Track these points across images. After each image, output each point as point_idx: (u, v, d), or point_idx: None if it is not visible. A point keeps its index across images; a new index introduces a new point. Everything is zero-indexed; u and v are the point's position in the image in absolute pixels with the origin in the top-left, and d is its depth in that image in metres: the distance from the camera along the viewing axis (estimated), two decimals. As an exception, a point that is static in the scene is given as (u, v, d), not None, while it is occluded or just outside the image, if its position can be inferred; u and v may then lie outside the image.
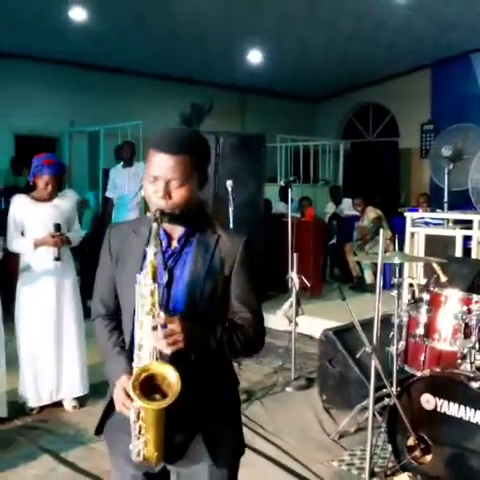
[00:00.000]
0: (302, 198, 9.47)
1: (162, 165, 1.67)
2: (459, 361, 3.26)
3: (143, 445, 1.65)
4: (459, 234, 5.76)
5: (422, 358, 3.49)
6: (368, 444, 3.12)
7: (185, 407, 1.63)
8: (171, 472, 1.83)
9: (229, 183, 4.89)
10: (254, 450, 3.52)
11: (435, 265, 3.66)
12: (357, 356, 3.64)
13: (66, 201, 4.26)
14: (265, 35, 9.27)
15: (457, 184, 6.45)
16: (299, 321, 5.06)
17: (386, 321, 3.63)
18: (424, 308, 3.49)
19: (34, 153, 4.22)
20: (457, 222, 6.26)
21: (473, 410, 2.89)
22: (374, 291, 3.30)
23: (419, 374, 3.35)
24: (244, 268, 1.77)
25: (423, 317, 3.49)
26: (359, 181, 10.98)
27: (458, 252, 5.65)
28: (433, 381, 3.11)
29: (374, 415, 3.23)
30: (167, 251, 1.76)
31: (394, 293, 3.60)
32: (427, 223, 6.62)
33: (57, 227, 4.07)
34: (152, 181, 1.70)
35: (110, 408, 1.82)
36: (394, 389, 3.44)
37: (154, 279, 1.61)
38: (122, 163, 7.69)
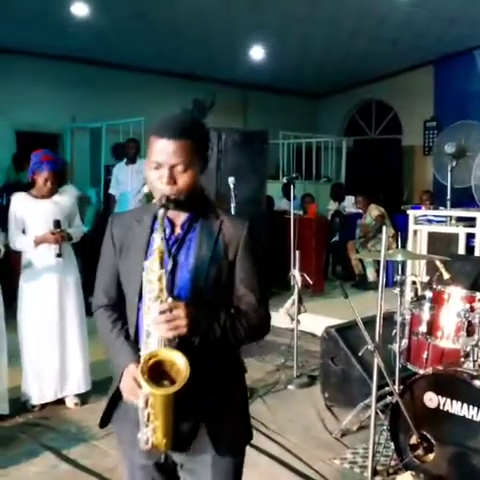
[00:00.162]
0: (304, 195, 9.45)
1: (165, 150, 1.67)
2: (462, 359, 3.26)
3: (152, 432, 1.64)
4: (462, 232, 5.75)
5: (425, 356, 3.48)
6: (370, 442, 3.11)
7: (189, 394, 1.61)
8: (177, 462, 1.82)
9: (231, 180, 4.88)
10: (256, 448, 3.51)
11: (438, 263, 3.65)
12: (359, 354, 3.62)
13: (66, 197, 4.25)
14: (267, 31, 9.24)
15: (460, 181, 6.44)
16: (301, 319, 5.05)
17: (389, 319, 3.61)
18: (427, 306, 3.48)
19: (36, 149, 4.21)
20: (460, 219, 6.25)
21: (476, 408, 2.88)
22: (376, 289, 3.29)
23: (422, 372, 3.34)
24: (248, 252, 1.77)
25: (426, 315, 3.48)
26: (362, 178, 10.95)
27: (461, 250, 5.64)
28: (436, 379, 3.10)
29: (376, 413, 3.22)
30: (171, 238, 1.76)
31: (397, 291, 3.59)
32: (430, 221, 6.61)
33: (57, 224, 4.06)
34: (156, 167, 1.70)
35: (115, 400, 1.81)
36: (397, 387, 3.43)
37: (161, 265, 1.61)
38: (125, 160, 7.70)
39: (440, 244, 5.87)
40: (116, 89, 9.88)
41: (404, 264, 3.96)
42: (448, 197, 6.35)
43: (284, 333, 5.37)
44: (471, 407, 2.89)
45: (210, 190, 5.96)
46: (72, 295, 4.24)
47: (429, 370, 3.28)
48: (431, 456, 3.05)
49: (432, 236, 6.09)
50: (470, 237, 5.80)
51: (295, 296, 4.92)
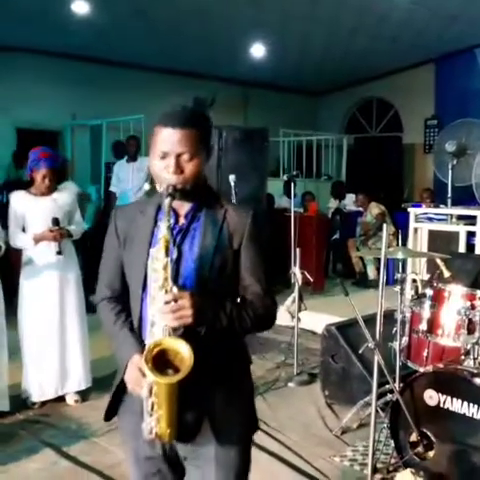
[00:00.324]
0: (305, 193, 9.45)
1: (171, 140, 1.67)
2: (462, 357, 3.26)
3: (155, 422, 1.62)
4: (463, 230, 5.75)
5: (425, 354, 3.48)
6: (370, 440, 3.11)
7: (194, 383, 1.60)
8: (180, 455, 1.80)
9: (232, 177, 4.88)
10: (256, 445, 3.51)
11: (438, 261, 3.65)
12: (360, 352, 3.61)
13: (65, 194, 4.24)
14: (268, 29, 9.23)
15: (461, 179, 6.44)
16: (302, 316, 5.05)
17: (389, 317, 3.61)
18: (427, 304, 3.48)
19: (36, 146, 4.20)
20: (461, 218, 6.26)
21: (476, 406, 2.88)
22: (377, 286, 3.29)
23: (422, 370, 3.34)
24: (253, 241, 1.76)
25: (426, 313, 3.47)
26: (362, 176, 10.95)
27: (461, 248, 5.64)
28: (436, 377, 3.10)
29: (377, 411, 3.21)
30: (175, 228, 1.75)
31: (397, 289, 3.59)
32: (430, 219, 6.61)
33: (55, 221, 4.05)
34: (162, 157, 1.69)
35: (120, 392, 1.81)
36: (397, 385, 3.43)
37: (167, 253, 1.61)
38: (126, 158, 7.69)
39: (441, 242, 5.87)
40: (116, 87, 9.87)
41: (404, 262, 3.96)
42: (449, 195, 6.35)
43: (284, 331, 5.37)
44: (471, 405, 2.89)
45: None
46: (72, 292, 4.24)
47: (429, 368, 3.28)
48: (431, 454, 3.05)
49: (433, 234, 6.09)
50: (470, 235, 5.80)
51: (295, 294, 4.92)
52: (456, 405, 2.94)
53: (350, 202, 9.50)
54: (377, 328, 3.13)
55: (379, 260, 3.50)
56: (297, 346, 4.91)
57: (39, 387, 4.17)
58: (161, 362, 1.58)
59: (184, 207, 1.77)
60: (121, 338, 1.79)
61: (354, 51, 10.24)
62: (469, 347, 3.21)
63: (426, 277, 4.32)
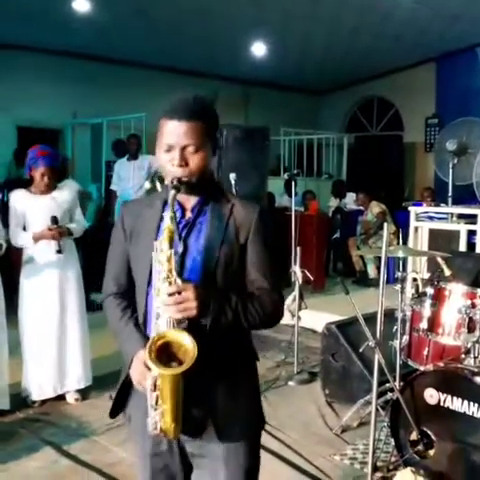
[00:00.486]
0: (306, 192, 9.45)
1: (176, 132, 1.66)
2: (463, 356, 3.26)
3: (160, 416, 1.61)
4: (463, 228, 5.74)
5: (426, 352, 3.47)
6: (371, 438, 3.11)
7: (199, 377, 1.60)
8: (187, 451, 1.79)
9: (232, 176, 4.87)
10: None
11: (439, 259, 3.65)
12: (360, 350, 3.62)
13: (65, 192, 4.23)
14: (269, 27, 9.22)
15: (462, 178, 6.43)
16: (302, 315, 5.05)
17: (389, 315, 3.60)
18: (428, 302, 3.47)
19: (37, 145, 4.19)
20: (461, 216, 6.25)
21: (477, 405, 2.87)
22: (377, 285, 3.29)
23: (422, 368, 3.34)
24: (260, 236, 1.75)
25: (427, 311, 3.47)
26: (363, 175, 10.95)
27: (462, 246, 5.63)
28: (436, 376, 3.10)
29: (377, 409, 3.21)
30: (181, 222, 1.74)
31: (398, 287, 3.58)
32: (431, 217, 6.61)
33: (54, 220, 4.04)
34: (167, 150, 1.68)
35: (125, 388, 1.79)
36: (397, 383, 3.43)
37: (171, 245, 1.60)
38: (127, 156, 7.68)
39: (441, 241, 5.86)
40: (117, 85, 9.87)
41: (405, 261, 3.96)
42: (449, 194, 6.34)
43: (285, 329, 5.37)
44: (472, 404, 2.89)
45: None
46: (73, 291, 4.23)
47: (430, 367, 3.28)
48: (431, 452, 3.04)
49: (433, 233, 6.08)
50: (471, 234, 5.79)
51: (296, 292, 4.92)
52: (456, 404, 2.94)
53: (351, 201, 9.50)
54: (377, 327, 3.13)
55: (379, 259, 3.49)
56: (297, 345, 4.92)
57: (38, 386, 4.17)
58: (165, 355, 1.57)
59: (190, 201, 1.76)
60: (126, 334, 1.78)
61: (356, 50, 10.24)
62: (469, 346, 3.21)
63: (427, 276, 4.31)
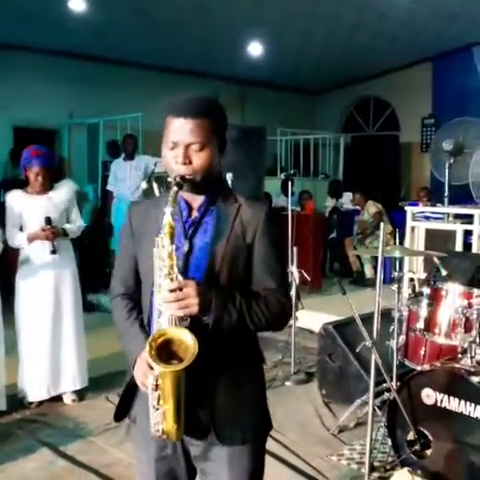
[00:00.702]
0: (302, 192, 9.46)
1: (181, 129, 1.65)
2: (459, 355, 3.26)
3: (161, 416, 1.59)
4: (459, 228, 5.74)
5: (422, 352, 3.48)
6: (368, 439, 3.11)
7: (200, 378, 1.59)
8: (191, 454, 1.76)
9: (229, 176, 4.87)
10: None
11: (435, 259, 3.65)
12: (357, 350, 3.63)
13: (62, 192, 4.22)
14: (266, 27, 9.21)
15: (458, 178, 6.44)
16: (299, 315, 5.05)
17: (386, 315, 3.61)
18: (424, 302, 3.48)
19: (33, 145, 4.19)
20: (457, 216, 6.26)
21: (473, 405, 2.88)
22: (374, 285, 3.29)
23: (419, 368, 3.34)
24: (267, 236, 1.72)
25: (423, 311, 3.48)
26: (359, 175, 10.96)
27: (458, 246, 5.63)
28: (433, 376, 3.10)
29: (374, 410, 3.22)
30: (187, 221, 1.73)
31: (394, 287, 3.59)
32: (427, 217, 6.61)
33: (47, 220, 4.02)
34: (171, 147, 1.67)
35: (130, 390, 1.77)
36: (394, 383, 3.43)
37: (172, 240, 1.58)
38: (123, 156, 7.66)
39: (438, 241, 5.87)
40: (114, 85, 9.85)
41: (402, 261, 3.95)
42: (446, 194, 6.34)
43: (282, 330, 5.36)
44: (468, 403, 2.89)
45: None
46: (68, 291, 4.22)
47: (426, 366, 3.28)
48: (428, 452, 3.05)
49: (430, 233, 6.08)
50: (467, 234, 5.80)
51: (293, 292, 4.92)
52: (453, 404, 2.95)
53: (347, 201, 9.51)
54: (374, 327, 3.13)
55: (376, 259, 3.49)
56: (294, 345, 4.92)
57: (33, 387, 4.15)
58: (166, 353, 1.56)
59: (197, 200, 1.75)
60: (131, 334, 1.77)
61: (353, 50, 10.24)
62: (466, 345, 3.21)
63: (423, 276, 4.32)
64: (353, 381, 4.08)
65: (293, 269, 4.94)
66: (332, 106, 13.08)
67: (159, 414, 1.59)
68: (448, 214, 6.35)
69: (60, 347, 4.20)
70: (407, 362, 3.60)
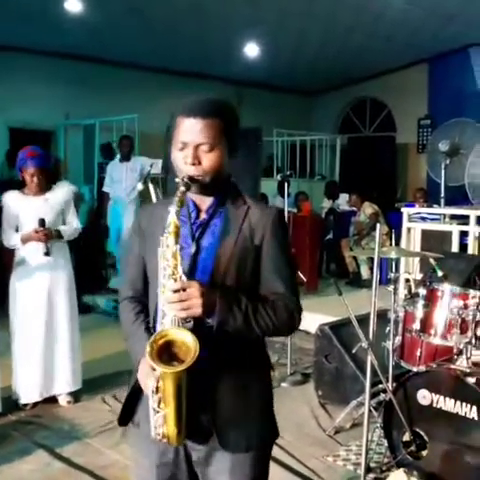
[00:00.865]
0: (298, 193, 9.45)
1: (191, 130, 1.63)
2: (455, 356, 3.26)
3: (162, 420, 1.56)
4: (456, 229, 5.75)
5: (418, 353, 3.48)
6: (364, 439, 3.11)
7: (202, 381, 1.57)
8: (193, 459, 1.73)
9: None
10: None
11: (431, 260, 3.65)
12: (353, 351, 3.62)
13: (58, 194, 4.20)
14: (263, 27, 9.21)
15: (454, 179, 6.46)
16: (295, 316, 5.04)
17: (382, 316, 3.61)
18: (420, 303, 3.48)
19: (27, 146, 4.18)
20: (454, 217, 6.27)
21: (469, 405, 2.88)
22: (370, 286, 3.29)
23: (415, 369, 3.35)
24: (276, 238, 1.69)
25: (419, 312, 3.48)
26: (356, 176, 10.96)
27: (454, 247, 5.64)
28: (429, 376, 3.10)
29: (370, 410, 3.22)
30: (195, 222, 1.71)
31: (390, 288, 3.59)
32: (424, 218, 6.63)
33: (41, 222, 3.99)
34: (181, 148, 1.65)
35: (135, 394, 1.75)
36: (390, 384, 3.43)
37: (176, 240, 1.56)
38: (119, 157, 7.66)
39: (434, 242, 5.88)
40: (110, 86, 9.85)
41: (398, 262, 3.96)
42: (442, 195, 6.36)
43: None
44: (464, 404, 2.90)
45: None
46: (63, 293, 4.19)
47: (422, 367, 3.29)
48: (424, 453, 3.05)
49: (426, 234, 6.09)
50: (463, 235, 5.81)
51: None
52: (449, 404, 2.95)
53: (343, 202, 9.51)
54: (370, 328, 3.13)
55: (372, 260, 3.49)
56: (290, 346, 4.92)
57: (26, 388, 4.13)
58: (167, 355, 1.54)
59: (206, 202, 1.73)
60: (137, 337, 1.74)
61: (348, 50, 10.25)
62: (462, 346, 3.22)
63: (419, 277, 4.32)
64: (349, 382, 4.08)
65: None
66: (328, 107, 13.10)
67: (160, 417, 1.57)
68: (444, 215, 6.37)
69: (54, 349, 4.17)
70: (403, 363, 3.60)
